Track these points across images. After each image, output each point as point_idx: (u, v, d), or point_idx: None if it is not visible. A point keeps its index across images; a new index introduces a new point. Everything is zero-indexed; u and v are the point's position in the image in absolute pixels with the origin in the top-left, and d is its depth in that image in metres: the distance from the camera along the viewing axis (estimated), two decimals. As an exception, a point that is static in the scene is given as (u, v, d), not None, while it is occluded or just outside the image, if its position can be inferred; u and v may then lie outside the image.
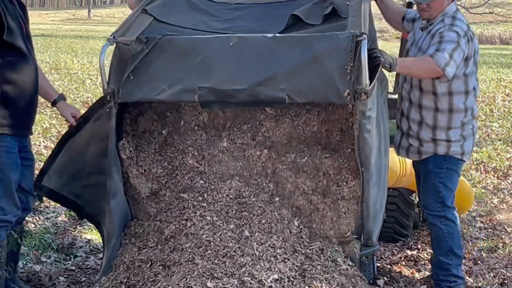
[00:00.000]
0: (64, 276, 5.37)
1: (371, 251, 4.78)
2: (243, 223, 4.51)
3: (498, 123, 13.12)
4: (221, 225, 4.48)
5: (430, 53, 4.73)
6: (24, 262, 5.54)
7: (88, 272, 5.56)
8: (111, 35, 4.68)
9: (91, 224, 5.94)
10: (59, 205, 6.95)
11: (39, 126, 11.45)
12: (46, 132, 11.10)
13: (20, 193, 4.68)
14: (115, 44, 4.72)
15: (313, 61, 4.36)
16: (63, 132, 10.76)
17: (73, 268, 5.62)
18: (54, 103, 5.02)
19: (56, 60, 21.07)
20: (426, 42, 4.98)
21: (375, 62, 4.40)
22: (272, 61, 4.42)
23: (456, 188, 5.22)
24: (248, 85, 4.42)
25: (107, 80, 4.70)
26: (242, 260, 4.19)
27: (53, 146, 10.04)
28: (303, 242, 4.60)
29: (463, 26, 4.89)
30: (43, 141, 10.45)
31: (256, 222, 4.50)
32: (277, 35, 4.54)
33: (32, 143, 9.99)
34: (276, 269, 4.18)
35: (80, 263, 5.74)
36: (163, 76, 4.58)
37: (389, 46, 33.59)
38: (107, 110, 4.74)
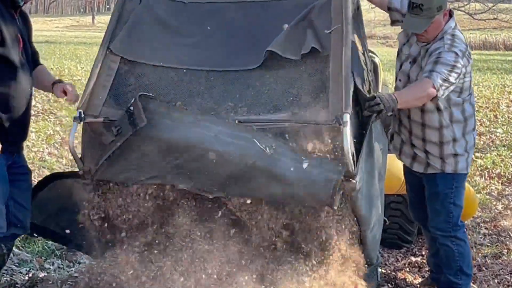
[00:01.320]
0: (69, 282, 5.36)
1: (373, 267, 4.75)
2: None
3: (502, 129, 13.08)
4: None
5: (426, 74, 4.67)
6: (28, 269, 5.54)
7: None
8: (78, 109, 4.37)
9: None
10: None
11: (42, 132, 11.46)
12: (49, 139, 11.10)
13: (16, 208, 4.63)
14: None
15: None
16: (66, 139, 10.82)
17: (77, 275, 5.60)
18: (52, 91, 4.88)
19: (60, 66, 21.01)
20: (424, 60, 4.88)
21: (378, 112, 4.41)
22: None
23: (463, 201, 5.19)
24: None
25: (80, 158, 4.46)
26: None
27: (56, 152, 10.12)
28: None
29: (462, 46, 4.81)
30: (46, 148, 10.45)
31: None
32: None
33: (36, 149, 10.11)
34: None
35: (83, 270, 5.73)
36: (142, 167, 4.40)
37: (393, 52, 33.60)
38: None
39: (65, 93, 4.68)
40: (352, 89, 4.21)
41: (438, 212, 5.09)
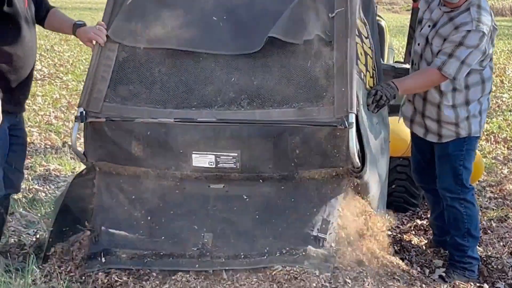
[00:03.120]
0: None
1: None
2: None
3: (509, 94, 13.06)
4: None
5: (438, 64, 4.67)
6: (35, 230, 5.57)
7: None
8: (79, 106, 4.37)
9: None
10: (69, 174, 7.00)
11: (48, 96, 11.49)
12: (56, 102, 11.12)
13: (10, 171, 4.64)
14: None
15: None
16: (73, 103, 10.86)
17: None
18: (75, 35, 4.71)
19: (65, 32, 21.07)
20: (446, 29, 4.79)
21: (380, 105, 4.46)
22: None
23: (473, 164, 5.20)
24: None
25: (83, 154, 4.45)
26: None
27: (63, 116, 10.13)
28: None
29: (488, 19, 4.72)
30: (53, 112, 10.48)
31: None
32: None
33: (42, 113, 10.13)
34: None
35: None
36: None
37: (399, 18, 33.53)
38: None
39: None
40: (355, 86, 4.15)
41: (448, 174, 5.07)
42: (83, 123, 4.35)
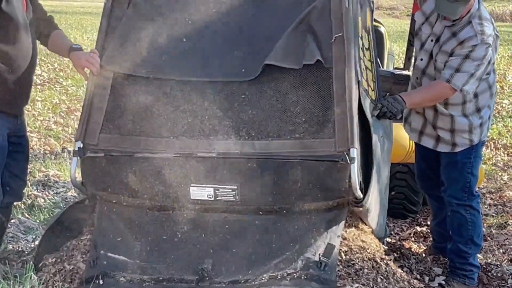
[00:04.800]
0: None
1: (381, 240, 4.75)
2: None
3: (509, 100, 13.05)
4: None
5: (446, 77, 4.65)
6: (34, 237, 5.56)
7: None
8: (76, 140, 4.28)
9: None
10: (68, 180, 6.98)
11: (48, 102, 11.48)
12: (55, 108, 11.11)
13: (11, 179, 4.64)
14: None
15: None
16: (72, 108, 10.86)
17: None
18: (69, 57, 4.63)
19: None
20: (450, 44, 4.77)
21: (387, 117, 4.47)
22: None
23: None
24: None
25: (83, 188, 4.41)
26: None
27: (62, 121, 10.13)
28: None
29: (491, 29, 4.72)
30: (52, 117, 10.47)
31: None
32: None
33: (42, 118, 10.12)
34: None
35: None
36: None
37: (400, 23, 33.51)
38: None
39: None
40: (356, 117, 4.06)
41: (456, 181, 5.06)
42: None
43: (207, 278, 4.01)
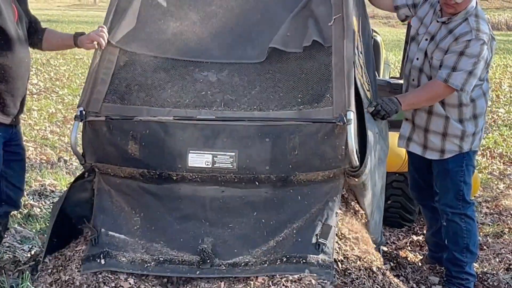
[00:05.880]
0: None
1: (377, 248, 4.75)
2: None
3: (504, 109, 13.08)
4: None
5: (443, 76, 4.66)
6: (30, 246, 5.55)
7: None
8: (78, 106, 4.37)
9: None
10: (65, 189, 6.98)
11: (44, 111, 11.48)
12: (51, 117, 11.11)
13: (9, 188, 4.65)
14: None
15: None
16: (68, 117, 10.86)
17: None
18: (76, 45, 4.72)
19: (62, 45, 21.11)
20: (446, 41, 4.79)
21: (380, 117, 4.51)
22: None
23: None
24: None
25: (82, 154, 4.46)
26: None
27: (58, 131, 10.12)
28: None
29: (486, 28, 4.74)
30: (48, 126, 10.47)
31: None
32: None
33: (38, 127, 10.12)
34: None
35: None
36: None
37: (396, 32, 33.57)
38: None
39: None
40: (353, 85, 4.19)
41: (448, 190, 5.06)
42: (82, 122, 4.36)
43: (208, 261, 4.07)
